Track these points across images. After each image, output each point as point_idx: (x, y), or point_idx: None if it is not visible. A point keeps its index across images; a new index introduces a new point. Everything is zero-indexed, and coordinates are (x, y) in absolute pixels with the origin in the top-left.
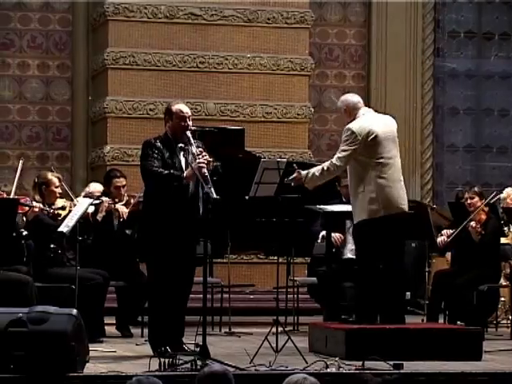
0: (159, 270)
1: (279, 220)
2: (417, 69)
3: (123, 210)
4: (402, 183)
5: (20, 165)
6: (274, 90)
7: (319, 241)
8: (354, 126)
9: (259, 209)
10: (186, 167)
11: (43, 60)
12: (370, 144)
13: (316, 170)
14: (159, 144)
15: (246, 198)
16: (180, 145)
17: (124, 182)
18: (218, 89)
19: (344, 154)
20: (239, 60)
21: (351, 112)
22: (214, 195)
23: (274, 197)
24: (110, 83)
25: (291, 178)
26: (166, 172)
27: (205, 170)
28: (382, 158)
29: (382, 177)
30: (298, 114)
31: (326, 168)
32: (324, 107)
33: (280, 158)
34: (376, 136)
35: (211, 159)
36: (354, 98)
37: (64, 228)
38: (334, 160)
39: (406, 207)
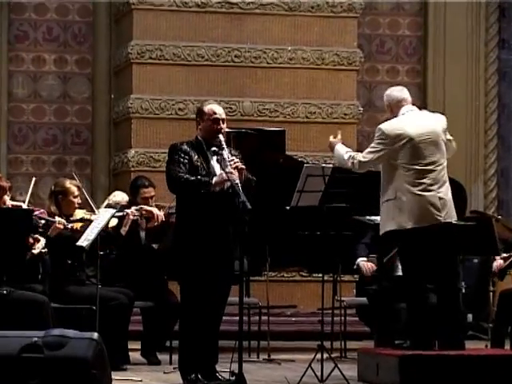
0: (194, 289)
1: (324, 233)
2: (479, 63)
3: (159, 212)
4: (446, 191)
5: (32, 184)
6: (319, 87)
7: (355, 267)
8: (385, 126)
9: (302, 220)
10: None
11: (60, 54)
12: (403, 148)
13: (345, 152)
14: (186, 147)
15: (287, 208)
16: (213, 148)
17: (153, 193)
18: (256, 85)
19: (371, 150)
20: (279, 53)
21: (393, 109)
22: (248, 206)
23: (318, 207)
24: (134, 80)
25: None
26: (193, 178)
27: (235, 178)
28: (417, 163)
29: (415, 184)
30: (345, 114)
31: (351, 157)
32: (374, 106)
33: (325, 163)
34: (408, 140)
35: (244, 167)
36: (399, 93)
37: (84, 242)
38: (360, 154)
39: (442, 219)
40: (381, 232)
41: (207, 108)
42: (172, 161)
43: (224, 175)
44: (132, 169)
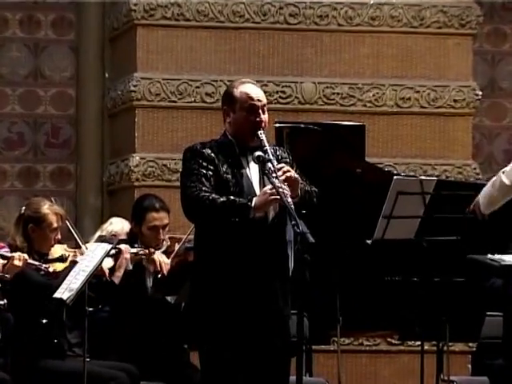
0: (222, 365)
1: (424, 279)
2: None
3: (163, 259)
4: None
5: None
6: (415, 61)
7: None
8: None
9: (390, 260)
10: None
11: (30, 12)
12: None
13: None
14: (209, 151)
15: (369, 242)
16: (257, 153)
17: (166, 220)
18: (321, 59)
19: None
20: (356, 11)
21: None
22: (310, 239)
23: (414, 240)
24: (139, 50)
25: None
26: (223, 199)
27: (286, 196)
28: None
29: None
30: (456, 101)
31: (495, 178)
32: (500, 89)
33: (425, 174)
34: None
35: (298, 178)
36: None
37: (64, 293)
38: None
39: None
40: None
41: (239, 91)
42: (188, 172)
43: (269, 193)
44: (136, 183)
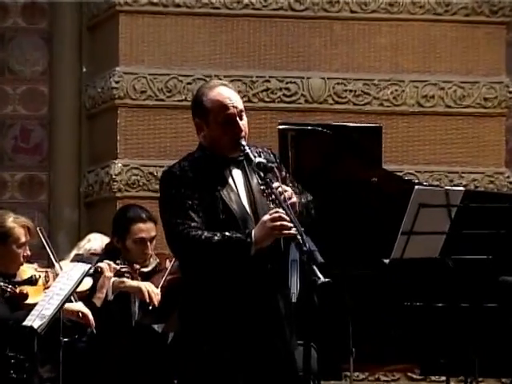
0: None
1: (450, 305)
2: None
3: (151, 289)
4: None
5: None
6: (439, 53)
7: None
8: None
9: (411, 282)
10: (264, 209)
11: None
12: None
13: None
14: (190, 174)
15: (386, 261)
16: (258, 160)
17: (153, 233)
18: (331, 51)
19: None
20: None
21: None
22: (319, 259)
23: (439, 259)
24: (122, 41)
25: None
26: (218, 237)
27: (296, 224)
28: None
29: None
30: (486, 99)
31: None
32: None
33: (451, 183)
34: None
35: (295, 200)
36: None
37: (35, 321)
38: None
39: None
40: None
41: (209, 99)
42: (172, 205)
43: (269, 224)
44: (118, 194)
